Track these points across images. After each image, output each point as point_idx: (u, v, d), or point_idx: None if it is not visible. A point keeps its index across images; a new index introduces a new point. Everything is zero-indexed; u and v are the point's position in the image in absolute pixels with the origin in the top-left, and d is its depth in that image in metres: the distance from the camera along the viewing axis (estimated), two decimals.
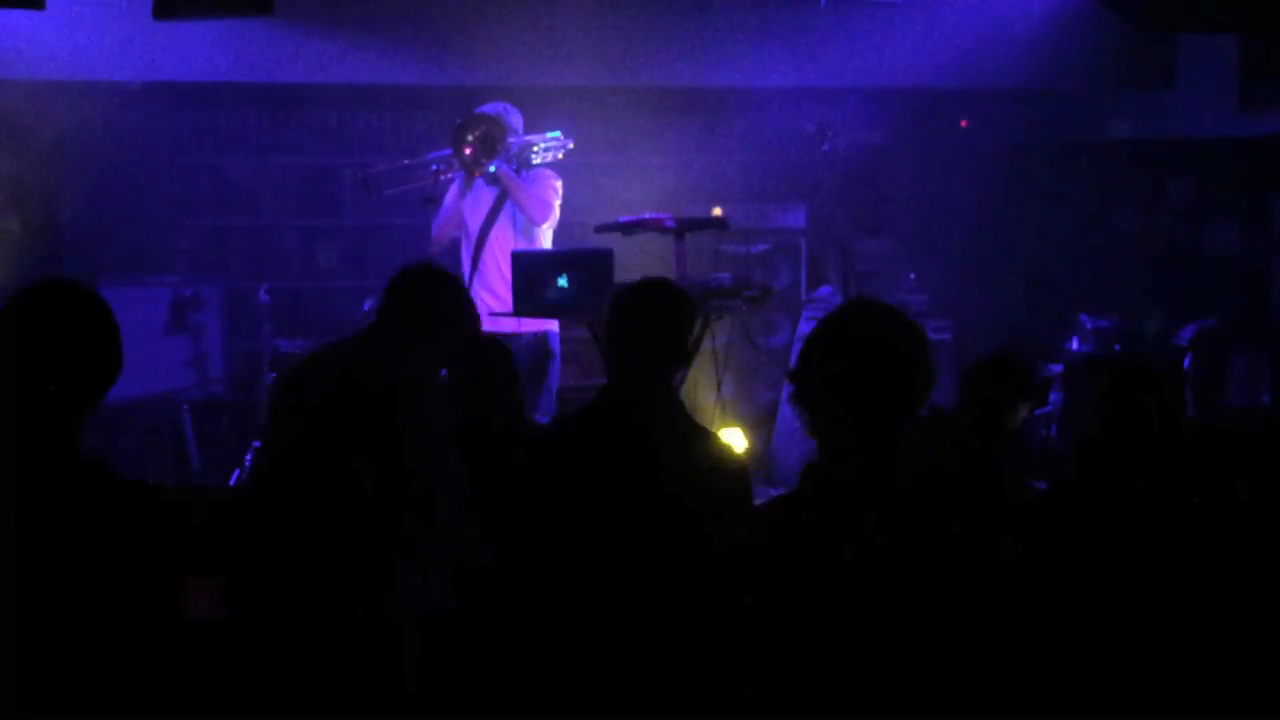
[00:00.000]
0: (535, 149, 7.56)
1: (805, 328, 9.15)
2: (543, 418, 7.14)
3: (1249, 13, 8.78)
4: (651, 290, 4.07)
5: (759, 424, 8.59)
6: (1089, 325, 9.20)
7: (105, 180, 9.17)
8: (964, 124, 10.11)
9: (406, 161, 7.89)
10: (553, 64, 8.93)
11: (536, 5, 9.01)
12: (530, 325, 7.30)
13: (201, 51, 8.64)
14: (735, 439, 7.58)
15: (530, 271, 6.91)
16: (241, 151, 9.87)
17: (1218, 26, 9.26)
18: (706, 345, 7.34)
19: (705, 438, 3.94)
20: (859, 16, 9.43)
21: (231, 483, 7.79)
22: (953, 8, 9.51)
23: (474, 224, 7.55)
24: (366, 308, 8.12)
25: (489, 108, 7.58)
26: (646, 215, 7.41)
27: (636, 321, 3.96)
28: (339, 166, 9.50)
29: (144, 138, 9.32)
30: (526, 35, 8.96)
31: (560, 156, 7.60)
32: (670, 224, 7.26)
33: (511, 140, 7.50)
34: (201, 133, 9.75)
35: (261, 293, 9.02)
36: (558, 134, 7.61)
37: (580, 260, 6.87)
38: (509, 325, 7.16)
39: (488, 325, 7.42)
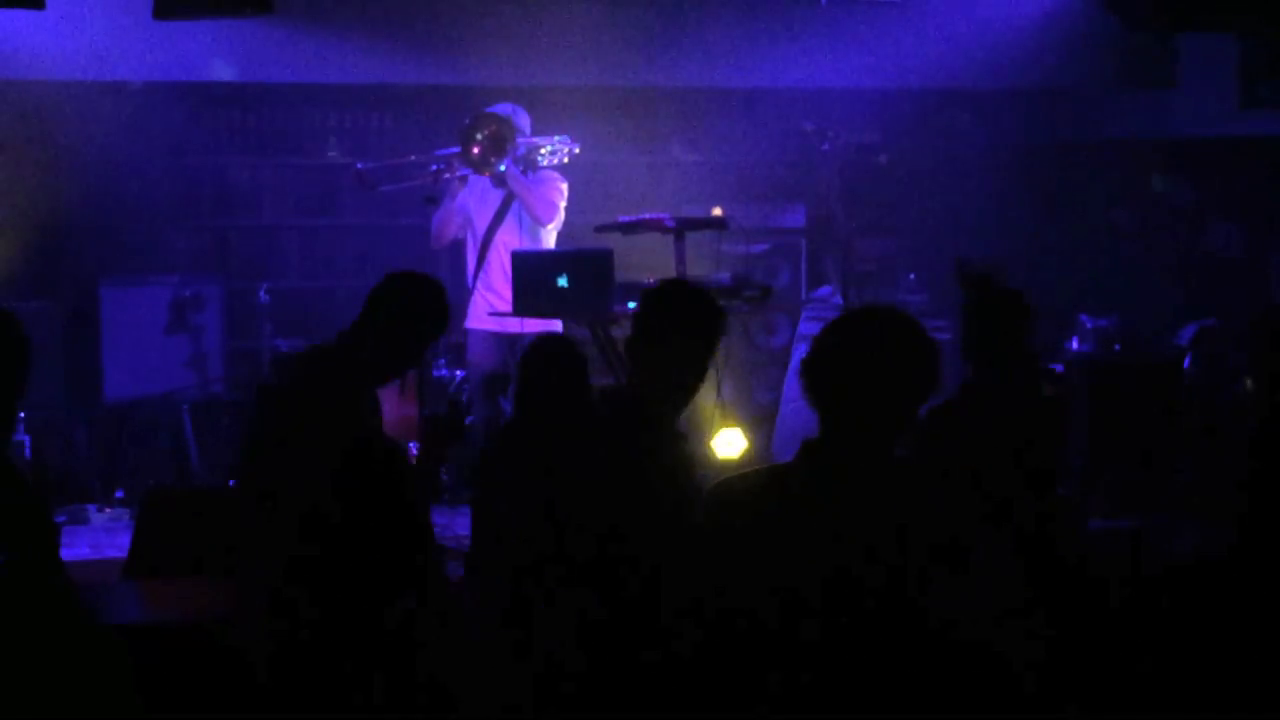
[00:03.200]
0: (542, 151, 7.54)
1: (805, 328, 9.14)
2: None
3: (1249, 13, 8.78)
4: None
5: (759, 424, 8.58)
6: (1089, 325, 9.19)
7: (105, 180, 9.15)
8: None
9: (401, 159, 7.87)
10: (552, 64, 8.93)
11: (537, 5, 9.01)
12: (533, 325, 7.28)
13: (201, 51, 8.63)
14: (735, 439, 7.57)
15: (530, 271, 6.90)
16: (241, 151, 9.86)
17: (1218, 26, 9.25)
18: None
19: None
20: (859, 16, 9.42)
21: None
22: (953, 8, 9.50)
23: (480, 224, 7.54)
24: None
25: (499, 108, 7.56)
26: (646, 215, 7.40)
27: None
28: (339, 166, 9.49)
29: (144, 138, 9.31)
30: (526, 35, 8.95)
31: (566, 160, 7.58)
32: (670, 224, 7.25)
33: (519, 141, 7.48)
34: (201, 133, 9.75)
35: (261, 293, 9.02)
36: (565, 137, 7.60)
37: (580, 260, 6.86)
38: (512, 325, 7.14)
39: (490, 325, 7.42)
